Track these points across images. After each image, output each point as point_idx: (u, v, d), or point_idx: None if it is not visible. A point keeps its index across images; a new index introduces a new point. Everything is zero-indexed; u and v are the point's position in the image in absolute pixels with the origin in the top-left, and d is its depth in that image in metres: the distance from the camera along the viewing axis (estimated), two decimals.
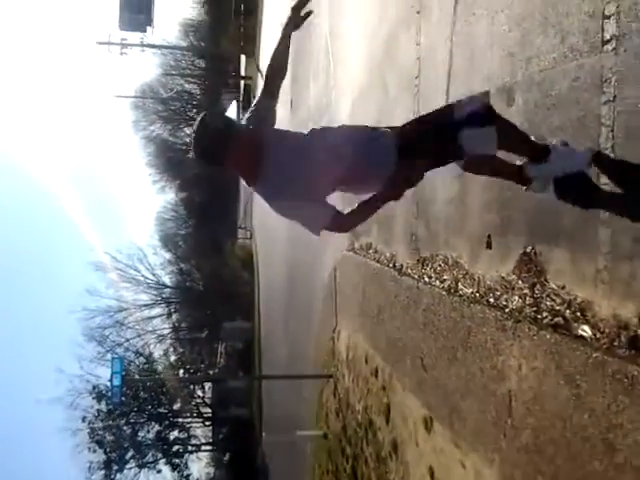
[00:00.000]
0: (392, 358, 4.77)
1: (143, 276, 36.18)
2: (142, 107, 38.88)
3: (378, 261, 5.30)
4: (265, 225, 20.90)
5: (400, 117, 4.59)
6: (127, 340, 33.41)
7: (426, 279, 4.00)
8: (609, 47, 2.15)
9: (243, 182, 2.32)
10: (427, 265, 4.05)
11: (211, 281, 32.29)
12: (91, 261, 36.56)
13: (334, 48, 7.73)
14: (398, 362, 4.56)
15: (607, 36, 2.15)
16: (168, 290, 37.19)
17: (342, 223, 2.21)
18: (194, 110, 39.97)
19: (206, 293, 32.76)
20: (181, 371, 29.40)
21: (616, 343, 2.07)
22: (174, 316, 36.60)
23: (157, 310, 36.23)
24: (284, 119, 13.97)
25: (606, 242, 2.16)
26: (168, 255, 39.19)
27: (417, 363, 4.05)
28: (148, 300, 36.13)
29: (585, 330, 2.24)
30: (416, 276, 4.20)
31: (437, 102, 3.81)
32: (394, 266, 4.80)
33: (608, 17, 2.14)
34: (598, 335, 2.17)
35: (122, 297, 35.04)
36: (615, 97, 2.11)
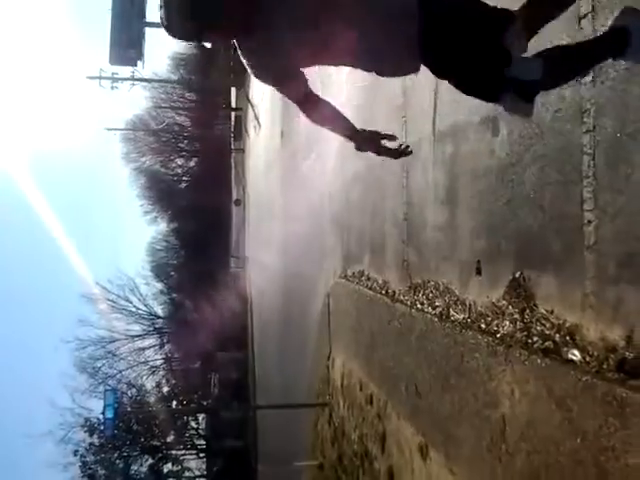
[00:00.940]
0: (386, 385, 4.78)
1: (135, 307, 36.06)
2: (133, 139, 39.18)
3: (371, 288, 5.34)
4: (258, 253, 20.93)
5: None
6: (119, 372, 33.12)
7: (418, 305, 4.04)
8: (587, 79, 2.23)
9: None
10: (419, 291, 4.09)
11: (204, 311, 32.17)
12: (83, 292, 36.41)
13: (324, 78, 7.86)
14: (393, 389, 4.57)
15: None
16: (160, 321, 37.03)
17: (308, 106, 1.90)
18: (185, 142, 40.33)
19: (199, 323, 32.60)
20: (174, 402, 29.10)
21: (605, 366, 2.11)
22: (167, 347, 36.37)
23: (149, 341, 36.06)
24: (275, 149, 14.12)
25: (591, 267, 2.21)
26: (160, 285, 39.14)
27: (411, 390, 4.06)
28: (140, 331, 35.96)
29: (574, 354, 2.28)
30: (409, 302, 4.24)
31: (424, 131, 3.92)
32: (387, 293, 4.84)
33: None
34: (587, 358, 2.21)
35: (114, 328, 34.86)
36: (595, 127, 2.19)
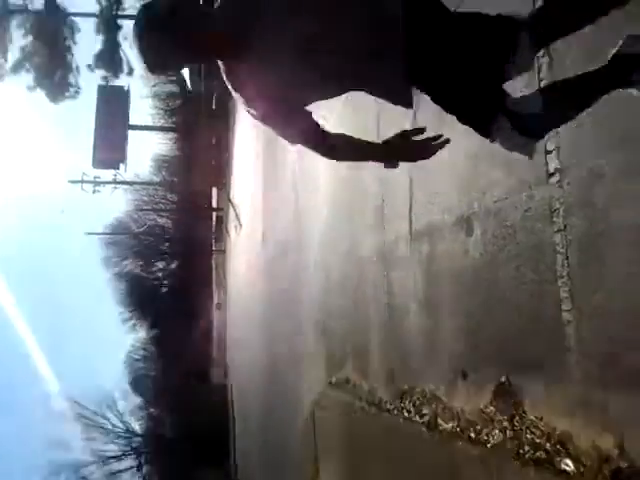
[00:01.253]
0: None
1: (112, 424, 34.44)
2: (113, 243, 39.11)
3: (355, 396, 5.14)
4: (240, 360, 20.41)
5: (368, 242, 4.69)
6: None
7: (405, 414, 3.87)
8: (554, 180, 2.26)
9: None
10: (406, 399, 3.93)
11: (183, 426, 30.84)
12: (57, 409, 34.88)
13: (301, 182, 8.02)
14: None
15: (551, 169, 2.28)
16: (138, 439, 35.25)
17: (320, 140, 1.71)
18: (166, 244, 40.37)
19: (178, 439, 31.12)
20: None
21: (599, 477, 1.97)
22: (144, 468, 34.42)
23: (126, 462, 34.12)
24: (255, 251, 14.18)
25: (575, 369, 2.13)
26: (138, 399, 37.64)
27: None
28: (117, 451, 34.13)
29: (568, 464, 2.14)
30: (395, 411, 4.06)
31: (401, 231, 3.93)
32: (372, 401, 4.65)
33: (550, 152, 2.28)
34: (581, 469, 2.07)
35: (90, 449, 33.13)
36: (565, 226, 2.19)
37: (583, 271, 2.12)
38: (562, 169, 2.21)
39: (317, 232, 6.81)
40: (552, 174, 2.27)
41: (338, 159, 1.85)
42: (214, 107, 26.95)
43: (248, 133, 16.18)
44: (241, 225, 19.27)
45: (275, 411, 10.98)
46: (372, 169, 4.64)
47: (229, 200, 23.45)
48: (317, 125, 1.71)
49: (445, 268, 3.28)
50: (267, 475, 12.35)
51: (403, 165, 3.82)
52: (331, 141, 1.75)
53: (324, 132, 1.75)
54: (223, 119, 25.67)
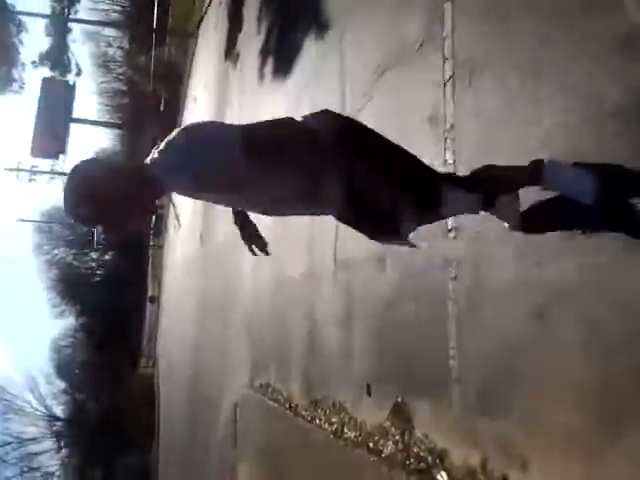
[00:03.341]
0: None
1: (33, 407, 33.52)
2: (47, 232, 38.10)
3: (275, 400, 5.46)
4: (169, 354, 20.37)
5: (298, 262, 5.02)
6: (8, 479, 30.20)
7: (317, 421, 4.22)
8: (452, 235, 2.66)
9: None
10: (319, 407, 4.29)
11: (107, 413, 30.37)
12: None
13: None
14: None
15: (449, 226, 2.67)
16: (59, 423, 34.46)
17: None
18: (102, 235, 39.54)
19: (101, 426, 30.63)
20: None
21: None
22: (64, 451, 33.69)
23: (45, 444, 33.31)
24: (193, 251, 14.29)
25: (455, 397, 2.53)
26: (63, 384, 36.76)
27: None
28: (37, 433, 33.26)
29: (442, 476, 2.54)
30: (309, 418, 4.41)
31: (327, 259, 4.28)
32: (290, 406, 4.98)
33: None
34: None
35: (6, 430, 32.11)
36: (456, 276, 2.59)
37: (467, 316, 2.52)
38: (457, 227, 2.61)
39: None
40: (450, 230, 2.66)
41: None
42: (161, 108, 26.74)
43: None
44: (180, 225, 19.29)
45: (199, 405, 11.17)
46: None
47: (169, 199, 23.32)
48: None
49: (361, 296, 3.66)
50: (188, 466, 12.50)
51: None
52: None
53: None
54: (170, 119, 25.46)
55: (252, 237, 2.20)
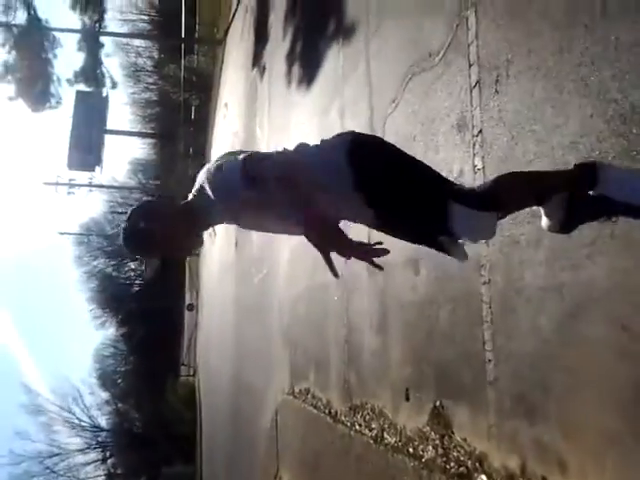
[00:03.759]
0: None
1: (78, 418, 34.34)
2: (86, 243, 39.11)
3: (315, 407, 5.52)
4: (208, 362, 20.63)
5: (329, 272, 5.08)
6: None
7: (357, 427, 4.26)
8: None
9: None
10: (358, 413, 4.33)
11: (150, 422, 30.89)
12: (23, 402, 34.64)
13: None
14: None
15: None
16: (104, 433, 35.23)
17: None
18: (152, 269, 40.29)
19: (144, 435, 31.17)
20: None
21: None
22: (109, 461, 34.41)
23: (91, 455, 34.08)
24: (228, 258, 14.48)
25: (493, 401, 2.55)
26: (105, 395, 37.57)
27: None
28: (82, 444, 34.06)
29: (483, 479, 2.56)
30: (348, 424, 4.45)
31: (360, 265, 4.32)
32: (329, 412, 5.04)
33: None
34: None
35: (54, 441, 32.94)
36: (489, 280, 2.61)
37: (502, 319, 2.54)
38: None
39: (287, 248, 7.18)
40: None
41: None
42: (193, 117, 27.15)
43: (226, 143, 16.46)
44: (215, 233, 19.56)
45: (241, 412, 11.30)
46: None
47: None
48: None
49: (396, 301, 3.69)
50: (231, 474, 12.65)
51: None
52: None
53: None
54: (202, 128, 25.86)
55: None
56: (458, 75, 3.00)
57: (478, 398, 2.68)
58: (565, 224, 1.95)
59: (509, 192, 1.89)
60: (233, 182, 1.81)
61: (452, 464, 2.82)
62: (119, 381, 39.31)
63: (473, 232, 1.89)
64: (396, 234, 2.11)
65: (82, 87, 31.96)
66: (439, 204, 1.81)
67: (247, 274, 10.94)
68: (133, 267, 42.84)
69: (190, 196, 1.94)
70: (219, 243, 18.51)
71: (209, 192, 1.84)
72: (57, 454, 32.59)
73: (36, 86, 29.67)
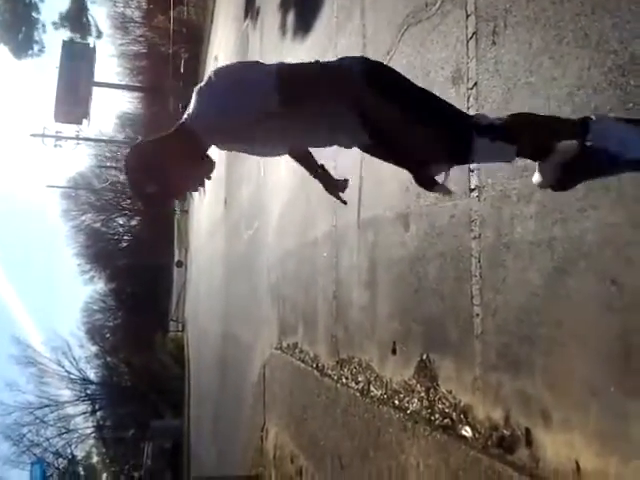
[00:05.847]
0: (314, 458, 4.96)
1: (67, 371, 34.69)
2: (74, 197, 38.73)
3: (303, 361, 5.58)
4: (197, 317, 20.78)
5: (322, 223, 5.07)
6: (47, 440, 31.49)
7: (344, 380, 4.32)
8: (474, 194, 2.66)
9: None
10: (345, 367, 4.38)
11: (139, 376, 31.27)
12: (12, 354, 34.88)
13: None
14: (320, 462, 4.76)
15: (472, 185, 2.67)
16: (93, 386, 35.65)
17: None
18: (127, 200, 40.07)
19: (133, 389, 31.59)
20: (104, 475, 27.74)
21: (489, 443, 2.43)
22: (98, 414, 34.92)
23: (80, 407, 34.56)
24: (218, 216, 14.43)
25: (479, 354, 2.57)
26: (94, 348, 37.88)
27: (336, 463, 4.27)
28: (71, 396, 34.50)
29: (467, 430, 2.60)
30: (335, 377, 4.51)
31: (350, 220, 4.31)
32: (317, 366, 5.09)
33: (472, 171, 2.67)
34: (476, 435, 2.53)
35: (44, 393, 33.33)
36: (480, 235, 2.60)
37: (490, 274, 2.54)
38: (480, 187, 2.61)
39: (277, 204, 7.14)
40: (473, 189, 2.66)
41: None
42: (182, 70, 26.57)
43: None
44: (205, 191, 19.42)
45: (229, 367, 11.44)
46: (330, 160, 4.99)
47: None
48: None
49: (386, 256, 3.69)
50: (219, 427, 12.88)
51: (355, 163, 4.18)
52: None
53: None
54: (191, 82, 25.35)
55: (331, 187, 2.37)
56: (455, 26, 2.93)
57: (464, 352, 2.70)
58: (560, 182, 1.92)
59: (523, 127, 1.84)
60: (253, 95, 1.66)
61: (437, 416, 2.87)
62: (108, 336, 39.58)
63: (493, 155, 1.84)
64: (389, 157, 2.02)
65: (67, 34, 31.07)
66: (454, 128, 1.78)
67: (236, 231, 10.92)
68: (121, 222, 42.64)
69: (185, 116, 1.78)
70: (208, 200, 18.41)
71: (213, 98, 1.70)
72: (47, 405, 33.03)
73: (20, 31, 28.71)
